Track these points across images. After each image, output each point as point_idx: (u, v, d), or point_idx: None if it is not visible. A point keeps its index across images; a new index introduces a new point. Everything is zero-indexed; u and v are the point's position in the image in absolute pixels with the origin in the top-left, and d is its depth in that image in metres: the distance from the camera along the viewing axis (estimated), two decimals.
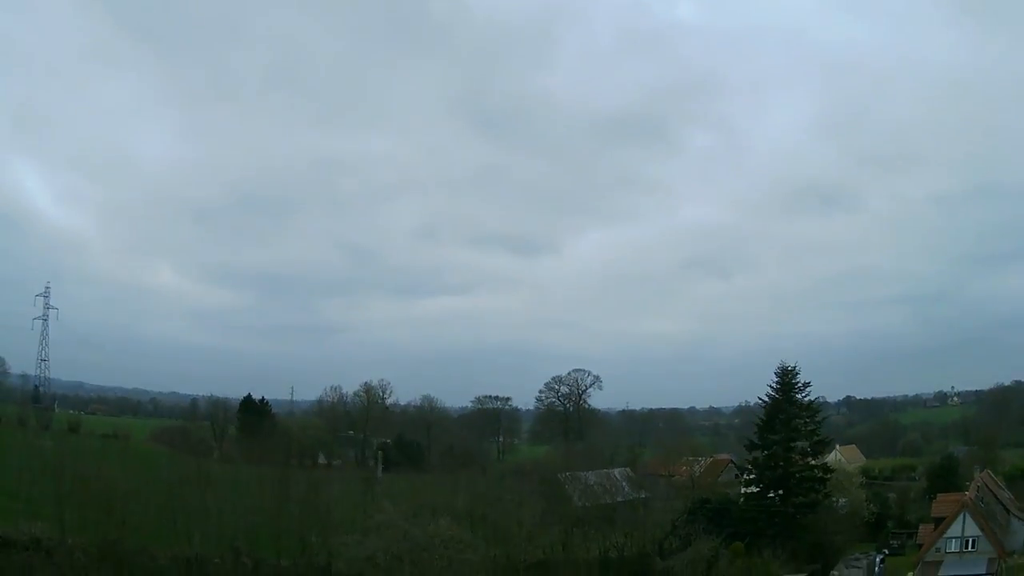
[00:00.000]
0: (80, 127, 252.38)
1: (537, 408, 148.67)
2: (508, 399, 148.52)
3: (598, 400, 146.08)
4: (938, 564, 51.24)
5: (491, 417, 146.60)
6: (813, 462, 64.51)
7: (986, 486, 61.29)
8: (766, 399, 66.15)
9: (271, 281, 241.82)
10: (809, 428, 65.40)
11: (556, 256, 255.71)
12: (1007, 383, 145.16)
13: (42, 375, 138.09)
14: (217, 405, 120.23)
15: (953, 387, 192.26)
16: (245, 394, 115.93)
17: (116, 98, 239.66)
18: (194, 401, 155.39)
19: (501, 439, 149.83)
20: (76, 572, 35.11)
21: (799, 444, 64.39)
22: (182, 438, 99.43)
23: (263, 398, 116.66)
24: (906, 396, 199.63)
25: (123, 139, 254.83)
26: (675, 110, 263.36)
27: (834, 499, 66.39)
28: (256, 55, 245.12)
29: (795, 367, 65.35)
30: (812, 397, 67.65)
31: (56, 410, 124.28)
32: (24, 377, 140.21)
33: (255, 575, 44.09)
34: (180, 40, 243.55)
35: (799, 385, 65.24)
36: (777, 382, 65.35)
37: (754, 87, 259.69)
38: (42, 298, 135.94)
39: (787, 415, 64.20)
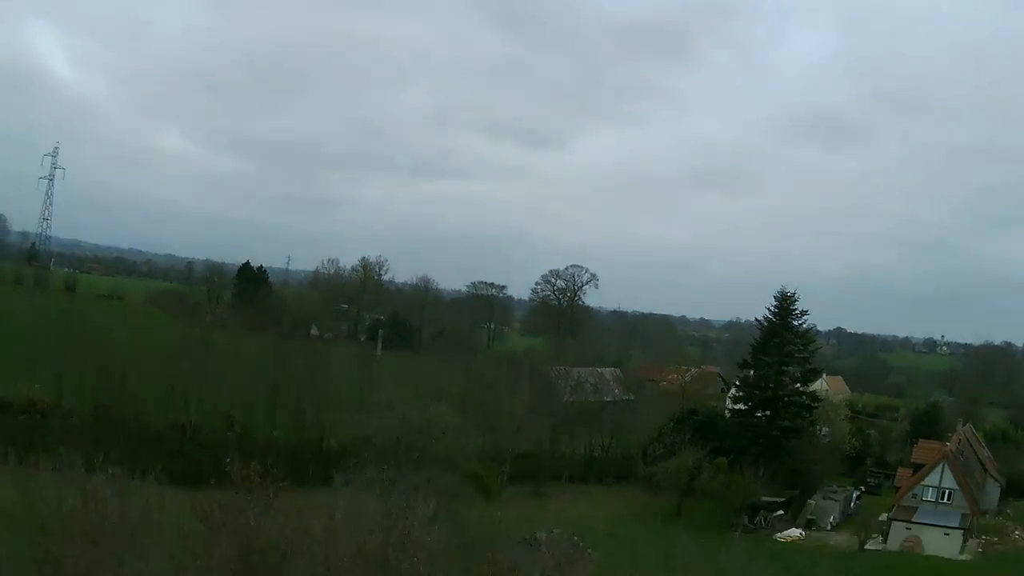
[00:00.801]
0: None
1: (531, 299, 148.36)
2: (503, 287, 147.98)
3: (592, 298, 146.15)
4: (913, 510, 51.96)
5: (485, 303, 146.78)
6: (802, 388, 65.19)
7: (967, 441, 61.46)
8: (762, 320, 66.26)
9: (276, 150, 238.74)
10: (802, 355, 65.75)
11: (564, 153, 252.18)
12: (996, 342, 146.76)
13: (42, 233, 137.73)
14: (213, 270, 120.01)
15: (943, 336, 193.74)
16: (241, 260, 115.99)
17: None
18: (190, 264, 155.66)
19: (493, 326, 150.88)
20: (71, 435, 35.43)
21: (790, 369, 64.81)
22: (178, 302, 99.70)
23: (261, 266, 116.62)
24: (896, 337, 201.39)
25: (140, 5, 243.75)
26: (696, 24, 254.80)
27: (818, 428, 67.33)
28: None
29: (794, 293, 65.32)
30: (807, 325, 67.84)
31: (52, 268, 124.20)
32: (24, 235, 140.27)
33: (248, 444, 44.67)
34: None
35: (796, 312, 65.27)
36: (776, 306, 65.22)
37: (778, 12, 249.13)
38: (49, 158, 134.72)
39: (782, 340, 64.38)
